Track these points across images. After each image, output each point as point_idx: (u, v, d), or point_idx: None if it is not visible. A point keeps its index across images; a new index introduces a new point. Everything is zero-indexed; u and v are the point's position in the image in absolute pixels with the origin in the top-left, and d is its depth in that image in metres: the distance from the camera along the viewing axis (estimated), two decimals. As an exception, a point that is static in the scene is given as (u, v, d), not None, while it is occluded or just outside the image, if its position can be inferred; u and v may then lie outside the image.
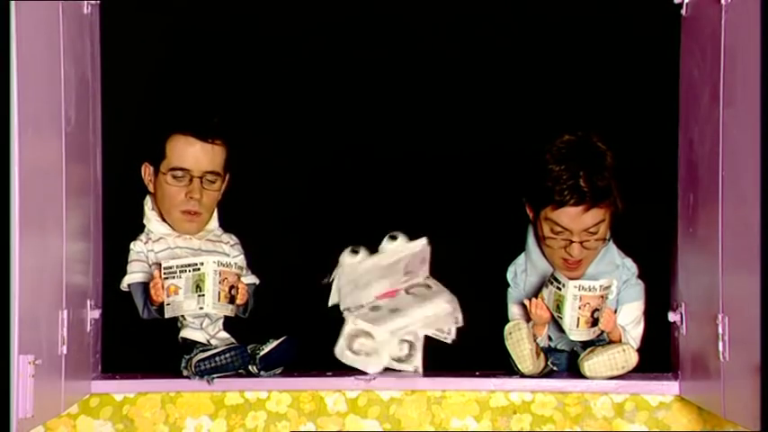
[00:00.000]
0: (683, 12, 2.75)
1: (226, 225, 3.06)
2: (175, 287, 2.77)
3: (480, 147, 3.37)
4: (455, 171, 3.37)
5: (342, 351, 2.90)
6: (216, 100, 3.36)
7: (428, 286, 3.06)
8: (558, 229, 2.82)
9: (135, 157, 2.99)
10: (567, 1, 3.33)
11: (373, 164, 3.40)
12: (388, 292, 3.03)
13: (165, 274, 2.79)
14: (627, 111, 3.26)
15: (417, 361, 2.92)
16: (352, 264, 3.01)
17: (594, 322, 2.79)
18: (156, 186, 2.97)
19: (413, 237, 3.08)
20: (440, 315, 2.97)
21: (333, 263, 3.05)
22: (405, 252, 3.04)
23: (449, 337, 2.97)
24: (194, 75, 3.44)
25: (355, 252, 3.04)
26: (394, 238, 3.06)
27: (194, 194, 2.92)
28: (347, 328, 2.92)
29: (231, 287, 2.79)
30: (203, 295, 2.76)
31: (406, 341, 2.93)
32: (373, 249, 3.06)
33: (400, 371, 2.91)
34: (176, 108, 3.19)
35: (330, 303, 3.01)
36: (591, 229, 2.82)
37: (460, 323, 2.99)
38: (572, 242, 2.82)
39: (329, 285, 3.01)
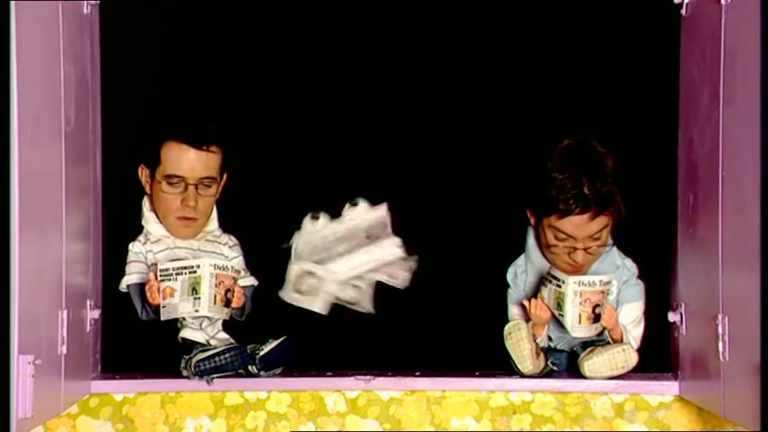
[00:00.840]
0: (683, 12, 2.75)
1: (225, 225, 3.06)
2: (171, 289, 2.77)
3: (480, 147, 3.36)
4: (455, 173, 3.37)
5: (288, 294, 2.89)
6: (215, 100, 3.35)
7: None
8: (563, 236, 2.82)
9: (135, 157, 2.99)
10: (567, 2, 3.32)
11: (373, 165, 3.39)
12: None
13: (161, 276, 2.79)
14: (627, 111, 3.26)
15: (368, 304, 2.90)
16: (311, 230, 3.01)
17: (596, 318, 2.79)
18: (153, 190, 2.97)
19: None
20: (389, 258, 2.96)
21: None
22: (365, 217, 3.03)
23: (398, 282, 2.96)
24: (194, 74, 3.42)
25: (315, 218, 3.04)
26: (355, 204, 3.06)
27: (189, 202, 2.91)
28: (293, 270, 2.91)
29: (227, 290, 2.79)
30: (199, 298, 2.76)
31: (356, 286, 2.92)
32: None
33: (354, 310, 2.90)
34: (172, 112, 3.17)
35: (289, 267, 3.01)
36: (595, 236, 2.82)
37: (413, 266, 2.97)
38: (576, 249, 2.82)
39: (288, 249, 3.00)
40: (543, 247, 2.89)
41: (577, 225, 2.79)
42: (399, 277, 2.97)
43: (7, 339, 2.12)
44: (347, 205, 3.05)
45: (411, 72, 3.42)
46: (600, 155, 2.82)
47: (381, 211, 3.05)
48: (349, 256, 2.93)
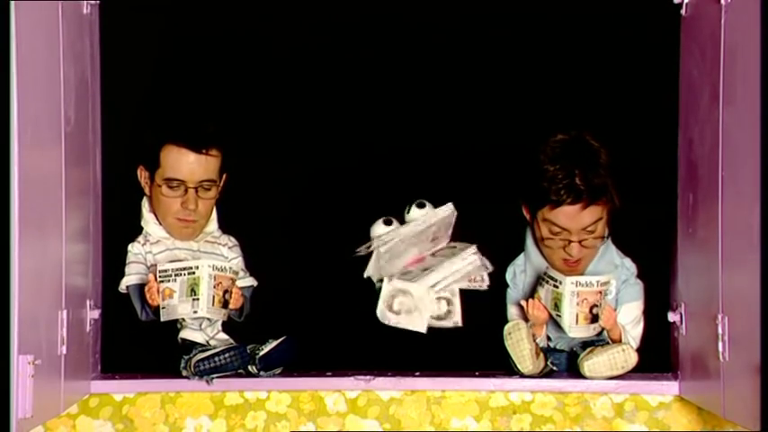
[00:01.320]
0: (683, 12, 2.75)
1: (225, 226, 3.05)
2: (170, 290, 2.77)
3: (478, 147, 3.35)
4: (452, 172, 3.36)
5: (383, 313, 2.93)
6: (214, 101, 3.34)
7: (452, 247, 3.11)
8: (557, 229, 2.82)
9: (135, 157, 2.98)
10: (567, 1, 3.32)
11: (371, 164, 3.38)
12: (416, 258, 3.07)
13: (160, 277, 2.79)
14: (626, 110, 3.24)
15: (457, 316, 2.97)
16: (386, 233, 3.05)
17: (594, 318, 2.79)
18: (152, 192, 2.96)
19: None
20: (469, 267, 3.01)
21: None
22: (434, 219, 3.08)
23: (483, 284, 3.03)
24: (194, 75, 3.41)
25: (388, 223, 3.08)
26: (422, 205, 3.10)
27: (189, 205, 2.90)
28: (385, 290, 2.95)
29: (225, 291, 2.79)
30: (197, 299, 2.76)
31: (443, 298, 2.98)
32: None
33: (441, 328, 2.94)
34: (171, 114, 3.17)
35: (366, 275, 3.05)
36: (589, 228, 2.82)
37: (490, 268, 3.03)
38: (571, 242, 2.82)
39: (365, 257, 3.04)
40: (539, 241, 2.89)
41: (570, 216, 2.79)
42: (482, 279, 3.03)
43: (7, 339, 2.13)
44: (413, 206, 3.10)
45: (407, 71, 3.41)
46: (593, 148, 2.82)
47: (448, 211, 3.10)
48: (431, 273, 2.98)
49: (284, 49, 3.43)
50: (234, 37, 3.43)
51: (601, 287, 2.78)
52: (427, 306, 2.94)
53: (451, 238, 3.15)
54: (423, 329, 2.97)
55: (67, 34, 2.51)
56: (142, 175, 2.97)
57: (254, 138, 3.32)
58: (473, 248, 3.04)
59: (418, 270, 3.03)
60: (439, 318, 2.95)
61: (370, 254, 3.08)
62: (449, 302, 2.97)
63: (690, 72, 2.70)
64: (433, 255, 3.09)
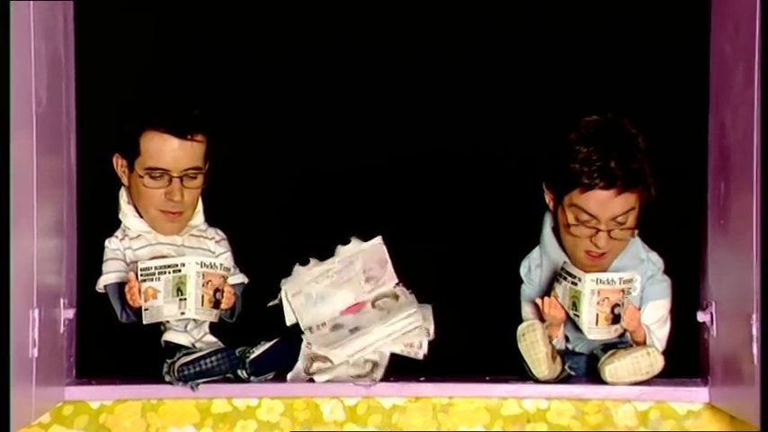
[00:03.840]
0: (714, -19, 2.77)
1: (211, 219, 3.05)
2: (154, 290, 2.76)
3: (495, 131, 3.38)
4: (462, 157, 3.39)
5: (298, 374, 2.90)
6: (199, 82, 3.36)
7: (396, 296, 3.04)
8: (585, 216, 2.82)
9: (113, 144, 2.97)
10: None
11: (368, 153, 3.41)
12: (351, 306, 3.03)
13: (142, 275, 2.78)
14: (652, 91, 3.29)
15: (378, 375, 2.90)
16: (301, 274, 3.00)
17: (615, 319, 2.78)
18: (131, 183, 2.95)
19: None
20: (407, 330, 2.95)
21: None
22: (356, 253, 3.02)
23: (420, 352, 2.96)
24: (177, 54, 3.44)
25: (305, 263, 3.02)
26: (347, 243, 3.05)
27: (174, 196, 2.90)
28: (304, 351, 2.92)
29: (216, 290, 2.78)
30: (185, 299, 2.75)
31: (370, 361, 2.93)
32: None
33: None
34: (153, 96, 3.18)
35: (288, 323, 2.99)
36: (619, 218, 2.81)
37: (432, 336, 2.97)
38: (599, 231, 2.81)
39: (280, 306, 3.00)
40: (562, 228, 2.88)
41: (601, 202, 2.79)
42: (419, 346, 2.96)
43: (-28, 342, 2.12)
44: (338, 246, 3.03)
45: (418, 45, 3.46)
46: (631, 133, 2.83)
47: (373, 245, 3.03)
48: (362, 336, 2.93)
49: (271, 31, 3.50)
50: (220, 13, 3.45)
51: (624, 285, 2.77)
52: (344, 370, 2.91)
53: (402, 279, 3.07)
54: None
55: (38, 6, 2.49)
56: (119, 163, 2.96)
57: (240, 123, 3.34)
58: (415, 306, 2.97)
59: (348, 328, 2.97)
60: (359, 376, 2.90)
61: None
62: (374, 365, 2.92)
63: (721, 48, 2.68)
64: (373, 304, 3.03)
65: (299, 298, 2.99)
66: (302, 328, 2.97)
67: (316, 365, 2.89)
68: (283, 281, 2.99)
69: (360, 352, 2.91)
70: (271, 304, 3.00)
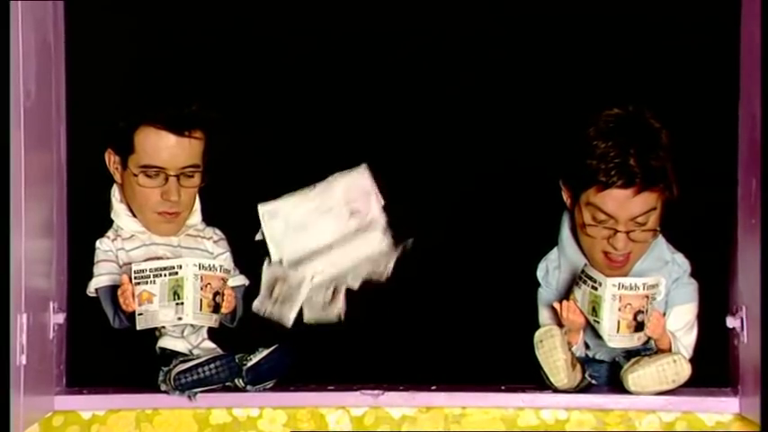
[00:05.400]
0: (745, -38, 2.77)
1: (209, 218, 3.04)
2: (149, 294, 2.76)
3: (513, 125, 3.38)
4: (476, 153, 3.39)
5: (263, 300, 2.92)
6: (196, 76, 3.35)
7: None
8: (602, 216, 2.81)
9: (106, 140, 2.95)
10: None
11: (374, 153, 3.40)
12: None
13: (136, 278, 2.77)
14: (679, 81, 3.26)
15: (338, 308, 2.94)
16: (280, 200, 3.01)
17: (638, 327, 2.77)
18: (125, 181, 2.95)
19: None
20: (375, 253, 2.97)
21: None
22: (335, 177, 3.02)
23: (383, 276, 2.98)
24: (173, 46, 3.46)
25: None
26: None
27: (171, 196, 2.90)
28: (264, 274, 2.94)
29: (215, 293, 2.77)
30: (182, 303, 2.75)
31: (332, 287, 2.96)
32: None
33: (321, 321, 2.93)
34: (148, 90, 3.20)
35: (274, 259, 3.00)
36: (639, 219, 2.80)
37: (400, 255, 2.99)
38: (617, 232, 2.80)
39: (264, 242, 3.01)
40: (579, 228, 2.87)
41: (619, 201, 2.78)
42: (383, 270, 2.98)
43: (-45, 348, 2.13)
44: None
45: (434, 38, 3.45)
46: (653, 127, 2.82)
47: (356, 174, 3.04)
48: (331, 252, 2.94)
49: (270, 25, 3.46)
50: (217, 9, 3.45)
51: (647, 291, 2.76)
52: (303, 297, 2.91)
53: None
54: (288, 324, 2.93)
55: (27, -6, 2.52)
56: (111, 160, 2.96)
57: (239, 119, 3.31)
58: (381, 231, 2.98)
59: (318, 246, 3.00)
60: (323, 307, 2.91)
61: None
62: (335, 291, 2.93)
63: (752, 35, 2.65)
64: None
65: (278, 223, 2.99)
66: (287, 265, 2.97)
67: (278, 288, 2.87)
68: (261, 204, 3.01)
69: (326, 270, 2.91)
70: (257, 238, 3.00)
